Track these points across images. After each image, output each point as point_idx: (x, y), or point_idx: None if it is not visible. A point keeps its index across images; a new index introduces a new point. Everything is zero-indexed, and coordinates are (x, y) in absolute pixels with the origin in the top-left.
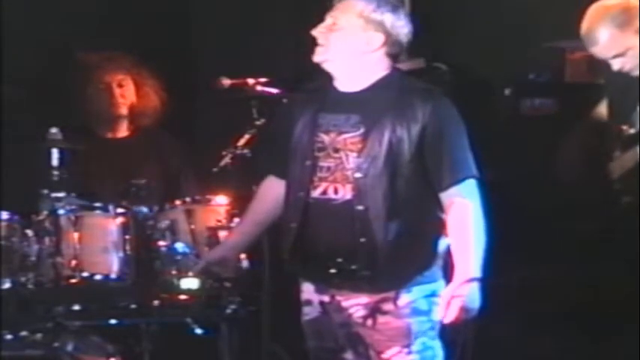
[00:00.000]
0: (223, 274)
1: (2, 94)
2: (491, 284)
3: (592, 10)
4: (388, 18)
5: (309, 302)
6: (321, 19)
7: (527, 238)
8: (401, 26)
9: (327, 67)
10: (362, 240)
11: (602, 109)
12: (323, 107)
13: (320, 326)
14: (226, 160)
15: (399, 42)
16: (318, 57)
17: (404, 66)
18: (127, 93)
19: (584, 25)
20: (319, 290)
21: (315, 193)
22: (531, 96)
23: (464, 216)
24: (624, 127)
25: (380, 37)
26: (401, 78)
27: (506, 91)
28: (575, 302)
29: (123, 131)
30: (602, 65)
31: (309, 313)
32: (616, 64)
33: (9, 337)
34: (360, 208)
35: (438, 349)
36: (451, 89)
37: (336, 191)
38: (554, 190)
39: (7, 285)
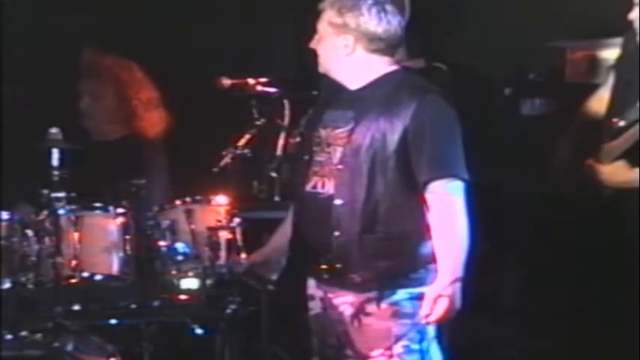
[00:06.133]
0: (267, 275)
1: (2, 94)
2: (490, 285)
3: None
4: (350, 18)
5: (312, 297)
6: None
7: (525, 238)
8: (366, 21)
9: (330, 75)
10: (336, 233)
11: (594, 104)
12: (330, 104)
13: (323, 322)
14: (226, 160)
15: (374, 37)
16: (320, 68)
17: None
18: (95, 103)
19: None
20: (319, 286)
21: (309, 187)
22: (531, 96)
23: (445, 213)
24: (615, 120)
25: (350, 39)
26: (402, 76)
27: (506, 91)
28: (575, 302)
29: (108, 135)
30: (602, 65)
31: (313, 308)
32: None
33: (9, 337)
34: (338, 202)
35: (425, 352)
36: (451, 89)
37: (323, 185)
38: (553, 191)
39: (7, 285)
